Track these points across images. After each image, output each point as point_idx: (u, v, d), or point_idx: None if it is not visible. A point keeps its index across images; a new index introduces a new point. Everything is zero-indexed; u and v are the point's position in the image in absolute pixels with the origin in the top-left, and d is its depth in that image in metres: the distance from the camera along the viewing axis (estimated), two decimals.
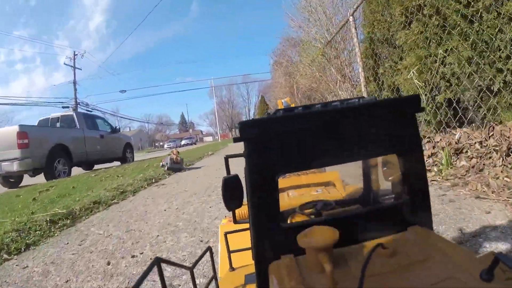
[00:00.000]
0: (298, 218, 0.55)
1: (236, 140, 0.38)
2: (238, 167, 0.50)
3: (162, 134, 67.16)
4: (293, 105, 0.83)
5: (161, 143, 53.23)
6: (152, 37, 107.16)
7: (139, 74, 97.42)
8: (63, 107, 22.71)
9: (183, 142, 47.33)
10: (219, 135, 49.10)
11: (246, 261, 0.64)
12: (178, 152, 6.35)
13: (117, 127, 10.35)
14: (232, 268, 0.69)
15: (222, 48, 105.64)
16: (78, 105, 23.36)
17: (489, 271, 0.27)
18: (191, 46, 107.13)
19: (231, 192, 0.47)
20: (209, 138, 67.49)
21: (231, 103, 60.95)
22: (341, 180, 0.82)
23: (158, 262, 0.41)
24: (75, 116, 8.83)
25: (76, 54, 24.68)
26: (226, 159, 0.55)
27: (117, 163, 10.45)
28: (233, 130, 55.48)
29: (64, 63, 24.17)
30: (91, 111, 27.30)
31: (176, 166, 5.97)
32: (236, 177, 0.47)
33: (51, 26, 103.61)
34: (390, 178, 0.46)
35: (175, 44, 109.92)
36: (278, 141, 0.37)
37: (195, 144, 44.33)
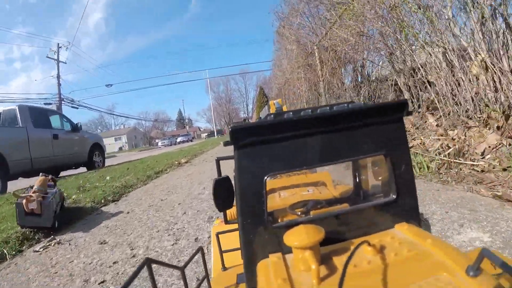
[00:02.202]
0: (289, 218, 0.53)
1: (226, 144, 0.40)
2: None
3: (157, 131, 65.07)
4: (285, 108, 1.18)
5: (156, 141, 50.99)
6: (149, 33, 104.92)
7: (134, 69, 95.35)
8: (45, 104, 20.81)
9: (179, 139, 45.36)
10: (216, 132, 47.10)
11: (238, 260, 0.57)
12: (53, 181, 2.60)
13: (79, 124, 8.20)
14: (224, 268, 0.68)
15: (219, 43, 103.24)
16: (63, 101, 21.41)
17: (475, 266, 0.27)
18: (188, 41, 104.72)
19: (222, 193, 0.48)
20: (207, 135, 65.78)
21: (229, 97, 58.98)
22: (331, 180, 0.78)
23: (148, 262, 0.39)
24: (17, 111, 6.68)
25: (60, 47, 22.68)
26: (218, 161, 0.57)
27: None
28: (229, 126, 53.56)
29: (47, 56, 22.16)
30: (77, 108, 25.46)
31: (34, 222, 2.28)
32: (226, 178, 0.48)
33: (36, 19, 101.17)
34: (379, 178, 0.47)
35: (172, 39, 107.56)
36: (267, 144, 0.39)
37: (191, 141, 42.62)
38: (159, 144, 43.18)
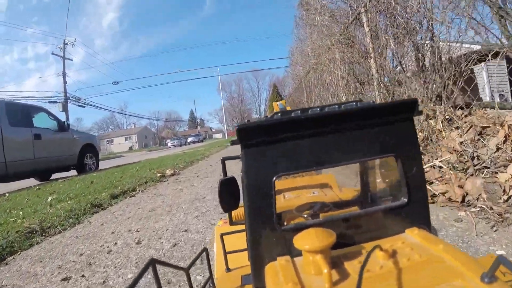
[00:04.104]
0: (295, 220, 0.51)
1: (233, 143, 0.39)
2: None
3: (168, 131, 64.68)
4: (289, 108, 0.73)
5: (166, 141, 50.34)
6: (160, 33, 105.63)
7: (146, 69, 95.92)
8: (50, 102, 20.31)
9: (189, 139, 44.55)
10: (227, 132, 46.15)
11: (242, 262, 0.62)
12: None
13: (67, 122, 7.28)
14: (228, 269, 0.66)
15: (231, 42, 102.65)
16: (68, 100, 20.87)
17: (490, 273, 0.27)
18: (199, 41, 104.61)
19: (227, 193, 0.47)
20: (219, 135, 65.38)
21: (241, 97, 58.17)
22: (337, 182, 0.77)
23: (153, 263, 0.39)
24: None
25: (66, 44, 22.18)
26: (223, 161, 0.56)
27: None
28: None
29: (53, 53, 21.68)
30: (84, 107, 24.94)
31: None
32: (232, 179, 0.48)
33: (46, 19, 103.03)
34: (387, 180, 0.46)
35: (184, 38, 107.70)
36: (275, 144, 0.38)
37: (202, 141, 41.89)
38: (169, 144, 42.22)
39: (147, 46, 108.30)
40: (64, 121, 7.22)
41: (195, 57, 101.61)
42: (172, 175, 4.86)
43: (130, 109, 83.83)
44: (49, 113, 7.19)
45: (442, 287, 0.28)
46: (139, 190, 3.67)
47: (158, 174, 4.51)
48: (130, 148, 52.42)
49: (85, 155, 7.77)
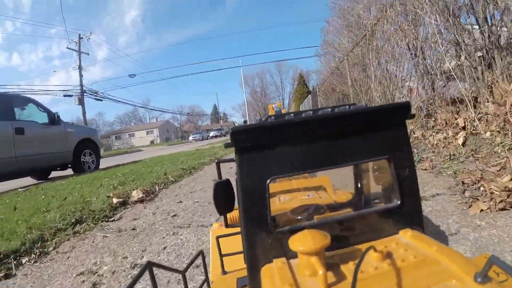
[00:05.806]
0: (290, 222, 0.49)
1: (227, 146, 0.39)
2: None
3: (190, 125, 64.34)
4: (284, 111, 0.70)
5: (189, 135, 49.80)
6: (183, 28, 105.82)
7: (169, 62, 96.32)
8: (65, 96, 19.87)
9: (211, 133, 43.93)
10: None
11: (238, 265, 0.62)
12: None
13: (57, 114, 6.20)
14: (224, 272, 0.66)
15: (255, 35, 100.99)
16: (85, 93, 20.36)
17: (483, 273, 0.27)
18: (223, 32, 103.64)
19: (222, 196, 0.47)
20: None
21: (264, 92, 56.75)
22: (331, 184, 0.76)
23: (149, 266, 0.39)
24: None
25: (82, 38, 21.66)
26: (218, 164, 0.56)
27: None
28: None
29: (68, 47, 21.20)
30: (101, 100, 24.43)
31: None
32: (227, 181, 0.48)
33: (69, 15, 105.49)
34: (381, 183, 0.46)
35: (208, 32, 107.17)
36: (269, 147, 0.38)
37: (224, 135, 41.21)
38: (190, 138, 41.57)
39: (169, 39, 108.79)
40: (55, 113, 6.17)
41: (218, 50, 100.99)
42: (141, 201, 2.84)
43: (154, 103, 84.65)
44: (38, 105, 6.18)
45: (436, 287, 0.28)
46: (34, 256, 1.77)
47: (115, 201, 2.71)
48: (152, 142, 52.47)
49: (83, 151, 6.72)
